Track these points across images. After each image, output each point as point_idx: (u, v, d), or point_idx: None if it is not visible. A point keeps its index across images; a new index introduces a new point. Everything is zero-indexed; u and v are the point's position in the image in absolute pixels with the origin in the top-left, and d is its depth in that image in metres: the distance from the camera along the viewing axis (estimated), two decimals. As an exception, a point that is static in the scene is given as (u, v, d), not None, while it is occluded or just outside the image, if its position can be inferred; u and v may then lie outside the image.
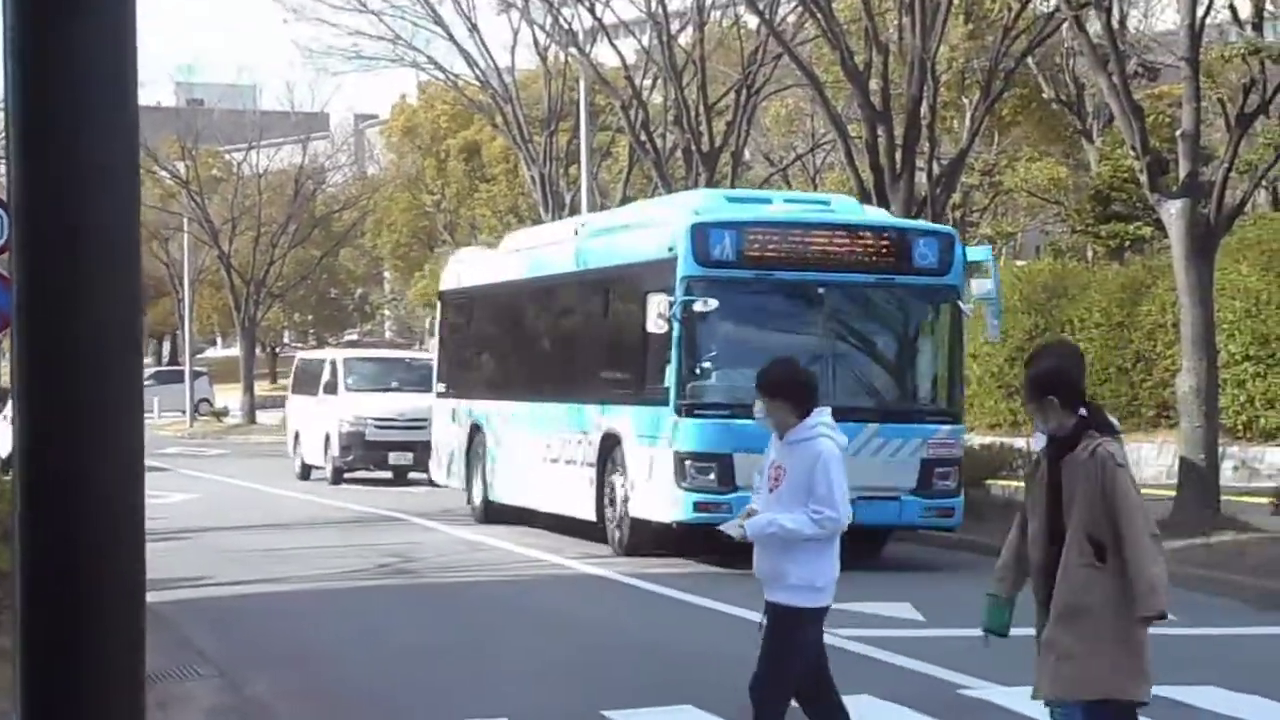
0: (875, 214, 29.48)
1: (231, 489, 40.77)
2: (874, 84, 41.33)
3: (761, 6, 46.54)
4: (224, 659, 17.23)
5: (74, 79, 3.81)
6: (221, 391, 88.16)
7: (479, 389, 32.48)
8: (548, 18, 55.31)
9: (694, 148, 49.57)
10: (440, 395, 34.50)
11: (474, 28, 56.49)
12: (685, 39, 51.95)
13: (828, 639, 18.00)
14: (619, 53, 55.04)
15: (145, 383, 45.82)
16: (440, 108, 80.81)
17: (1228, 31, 46.81)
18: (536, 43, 57.42)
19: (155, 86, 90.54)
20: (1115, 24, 42.27)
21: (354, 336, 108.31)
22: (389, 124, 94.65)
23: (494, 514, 30.39)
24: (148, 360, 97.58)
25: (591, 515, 25.88)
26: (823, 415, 11.50)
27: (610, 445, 25.41)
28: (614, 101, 54.34)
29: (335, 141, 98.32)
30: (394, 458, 37.22)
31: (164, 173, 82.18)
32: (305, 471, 42.12)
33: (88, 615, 4.16)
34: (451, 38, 57.04)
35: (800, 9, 45.06)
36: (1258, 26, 45.08)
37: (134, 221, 4.06)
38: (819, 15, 42.14)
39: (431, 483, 35.29)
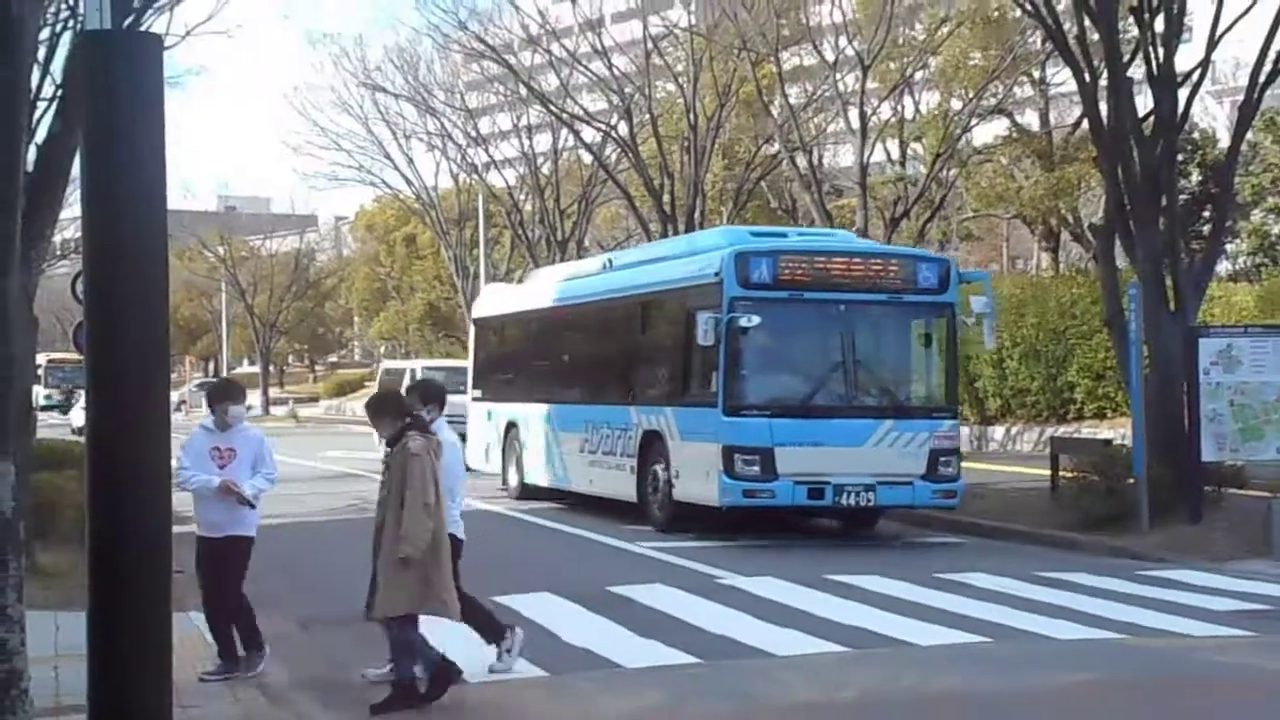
0: (869, 244, 25.39)
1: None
2: (666, 198, 41.56)
3: (594, 150, 46.58)
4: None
5: (120, 194, 3.79)
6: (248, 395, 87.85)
7: (514, 394, 26.74)
8: (459, 155, 55.25)
9: (552, 238, 49.77)
10: (475, 400, 28.68)
11: (410, 161, 56.68)
12: (546, 169, 51.95)
13: (631, 547, 18.29)
14: (504, 177, 55.27)
15: (196, 390, 44.54)
16: (389, 212, 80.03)
17: (885, 166, 47.22)
18: (451, 171, 57.30)
19: (203, 198, 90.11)
20: (815, 161, 42.46)
21: (334, 359, 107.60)
22: (356, 222, 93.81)
23: (529, 493, 25.45)
24: (198, 375, 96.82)
25: (632, 497, 21.11)
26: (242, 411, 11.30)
27: (650, 440, 20.69)
28: (501, 208, 54.29)
29: (321, 233, 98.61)
30: None
31: (209, 254, 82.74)
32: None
33: (133, 540, 4.11)
34: (396, 167, 57.02)
35: (619, 150, 45.11)
36: (902, 164, 45.50)
37: (164, 284, 4.08)
38: (630, 154, 42.38)
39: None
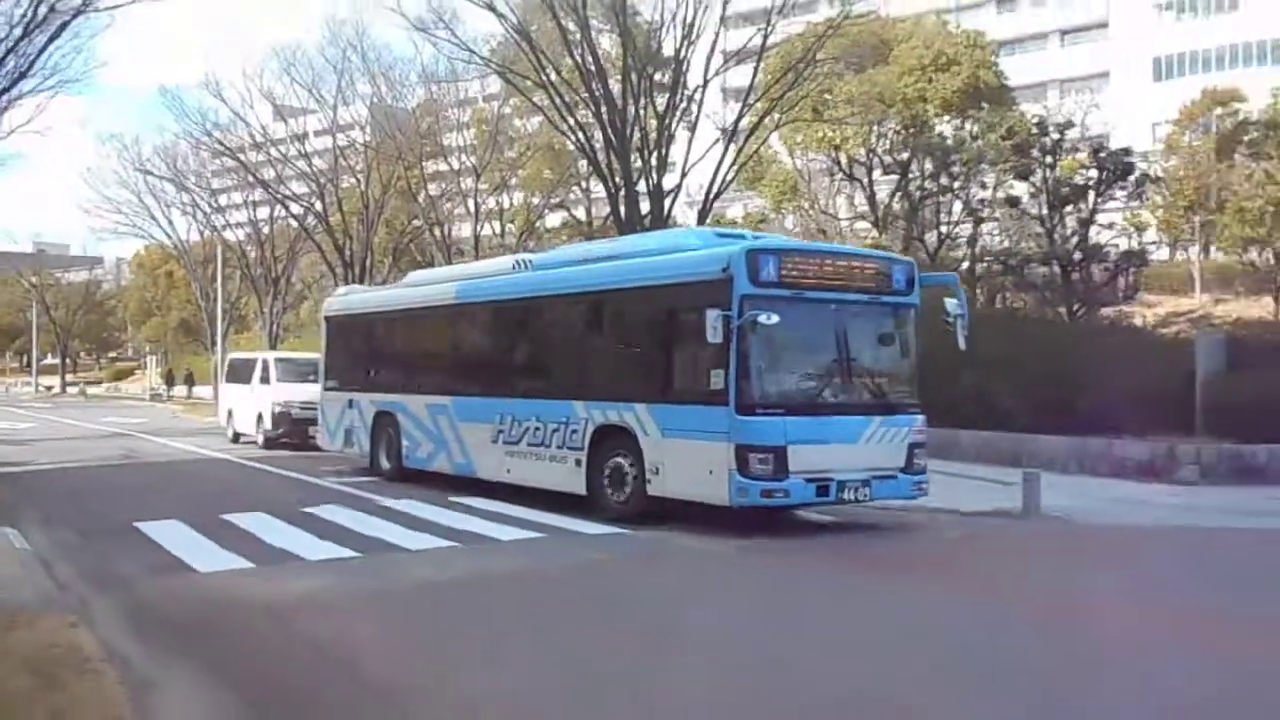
0: (850, 247, 19.59)
1: (52, 422, 37.17)
2: (347, 252, 40.64)
3: (299, 219, 45.09)
4: (38, 496, 15.87)
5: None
6: (50, 379, 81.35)
7: (389, 385, 18.68)
8: (204, 219, 52.57)
9: (268, 276, 47.91)
10: (330, 389, 20.42)
11: (170, 222, 53.05)
12: (265, 229, 50.01)
13: (323, 482, 17.74)
14: (235, 234, 52.75)
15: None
16: (155, 255, 74.94)
17: (492, 238, 47.26)
18: (199, 229, 54.38)
19: (22, 243, 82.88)
20: (446, 233, 42.31)
21: (114, 355, 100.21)
22: (131, 262, 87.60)
23: (406, 476, 17.65)
24: (15, 365, 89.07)
25: (572, 488, 14.22)
26: None
27: (607, 434, 13.80)
28: (233, 254, 51.75)
29: (106, 269, 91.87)
30: (312, 431, 22.29)
31: (25, 282, 77.08)
32: (236, 438, 26.76)
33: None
34: (160, 226, 53.51)
35: (316, 219, 43.84)
36: (501, 237, 45.57)
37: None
38: (323, 222, 41.23)
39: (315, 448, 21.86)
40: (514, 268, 16.85)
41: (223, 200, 53.72)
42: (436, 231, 41.27)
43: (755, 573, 10.57)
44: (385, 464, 18.40)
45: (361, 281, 40.51)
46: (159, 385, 62.03)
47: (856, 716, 6.28)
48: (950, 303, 13.88)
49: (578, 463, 14.21)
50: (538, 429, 15.02)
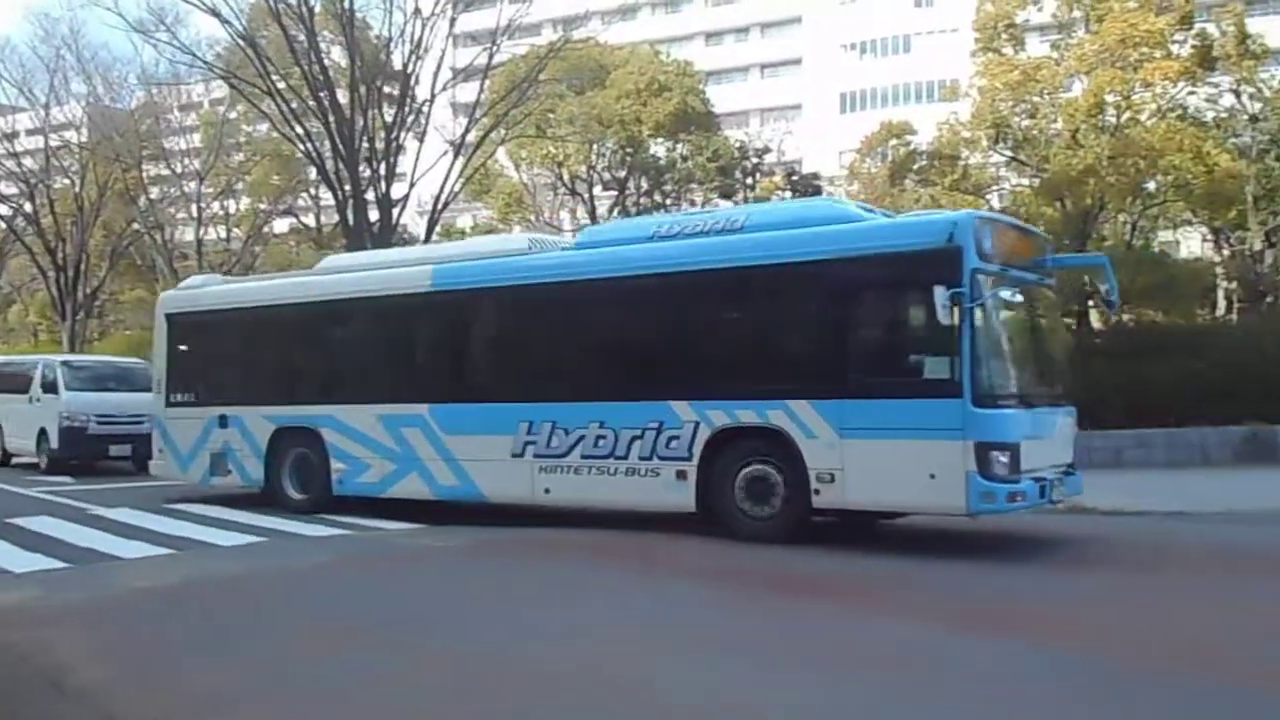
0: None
1: None
2: (60, 255, 37.85)
3: (7, 220, 41.50)
4: None
5: None
6: None
7: (305, 396, 13.90)
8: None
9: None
10: (178, 404, 15.06)
11: None
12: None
13: (28, 491, 16.29)
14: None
15: None
16: None
17: (217, 241, 45.02)
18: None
19: None
20: (168, 236, 40.00)
21: None
22: None
23: (336, 505, 13.49)
24: None
25: (686, 507, 11.13)
26: None
27: (732, 439, 10.82)
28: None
29: None
30: (114, 450, 18.74)
31: None
32: (6, 458, 21.47)
33: None
34: None
35: (25, 221, 40.38)
36: (228, 240, 43.51)
37: None
38: (33, 224, 38.15)
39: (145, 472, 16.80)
40: (530, 246, 12.96)
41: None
42: (158, 235, 38.92)
43: (479, 572, 10.64)
44: (295, 494, 13.94)
45: (75, 286, 37.79)
46: None
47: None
48: (1104, 288, 11.81)
49: (680, 475, 11.11)
50: (602, 437, 11.59)
